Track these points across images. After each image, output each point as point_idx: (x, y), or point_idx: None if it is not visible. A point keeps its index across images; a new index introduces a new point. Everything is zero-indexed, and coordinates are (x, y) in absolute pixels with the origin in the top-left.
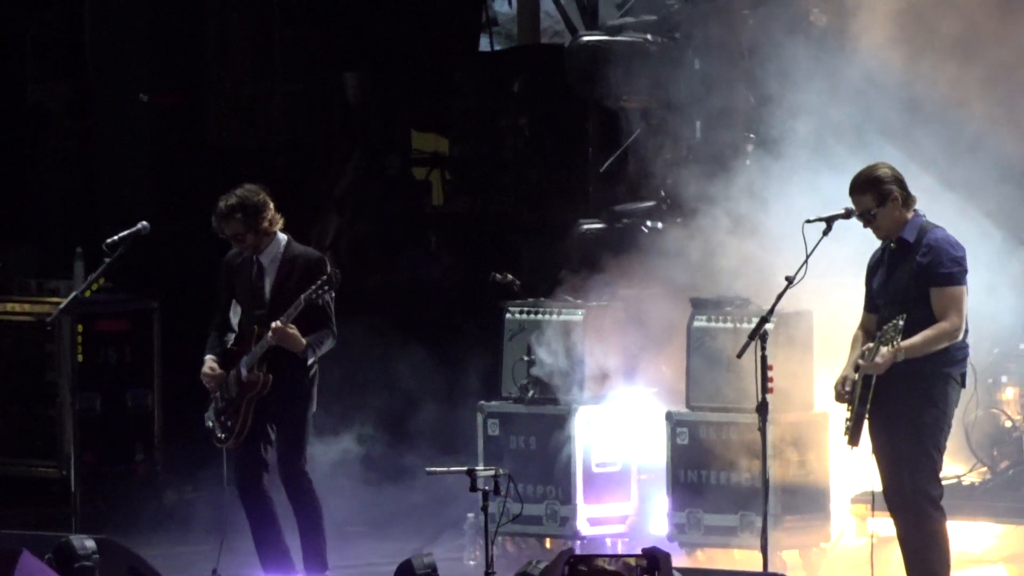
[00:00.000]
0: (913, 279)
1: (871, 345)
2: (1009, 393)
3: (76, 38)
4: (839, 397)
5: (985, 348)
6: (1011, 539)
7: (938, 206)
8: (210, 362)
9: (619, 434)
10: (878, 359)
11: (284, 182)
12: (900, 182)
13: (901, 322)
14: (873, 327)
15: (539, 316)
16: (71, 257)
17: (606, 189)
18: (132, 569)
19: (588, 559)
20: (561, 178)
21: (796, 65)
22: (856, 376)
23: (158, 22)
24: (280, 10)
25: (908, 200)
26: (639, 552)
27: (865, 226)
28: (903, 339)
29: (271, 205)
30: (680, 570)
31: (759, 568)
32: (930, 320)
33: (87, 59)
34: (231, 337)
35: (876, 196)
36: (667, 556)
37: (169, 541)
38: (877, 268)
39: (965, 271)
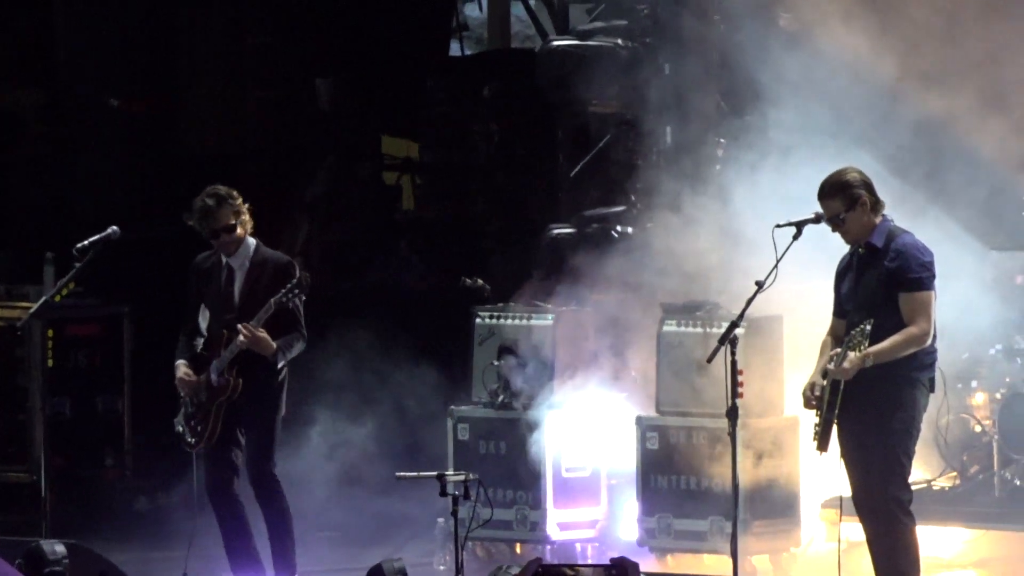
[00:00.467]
0: (881, 284)
1: (839, 350)
2: (979, 398)
3: (47, 44)
4: (807, 403)
5: (955, 353)
6: (981, 544)
7: (909, 210)
8: (184, 367)
9: (589, 439)
10: (846, 364)
11: (255, 187)
12: (869, 186)
13: (868, 327)
14: (842, 332)
15: (509, 321)
16: (41, 262)
17: (577, 194)
18: (103, 574)
19: (556, 569)
20: (532, 183)
21: (766, 70)
22: (824, 382)
23: (130, 28)
24: (251, 16)
25: (877, 205)
26: (608, 561)
27: (834, 230)
28: (871, 343)
29: (246, 207)
30: (650, 575)
31: (729, 573)
32: (898, 325)
33: (58, 65)
34: (200, 342)
35: (845, 200)
36: (635, 565)
37: (139, 546)
38: (846, 273)
39: (933, 276)
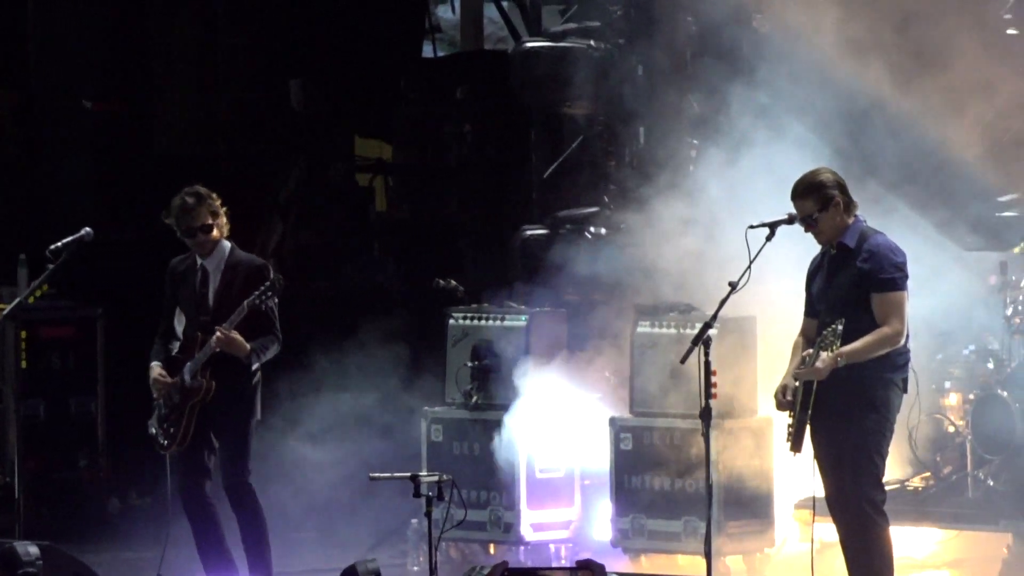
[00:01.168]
0: (854, 284)
1: (811, 351)
2: (952, 399)
3: (20, 46)
4: (780, 405)
5: (929, 354)
6: (954, 545)
7: (882, 210)
8: (158, 369)
9: (563, 440)
10: (818, 364)
11: (228, 189)
12: (842, 187)
13: (840, 327)
14: (813, 333)
15: (483, 322)
16: (14, 264)
17: (550, 195)
18: (76, 575)
19: (523, 571)
20: (505, 184)
21: (740, 71)
22: (797, 383)
23: (102, 30)
24: (224, 17)
25: (849, 205)
26: (575, 564)
27: (807, 231)
28: (842, 344)
29: (223, 210)
30: (624, 575)
31: (703, 574)
32: (870, 325)
33: (31, 67)
34: (176, 344)
35: (818, 201)
36: (601, 567)
37: (113, 547)
38: (817, 273)
39: (906, 276)
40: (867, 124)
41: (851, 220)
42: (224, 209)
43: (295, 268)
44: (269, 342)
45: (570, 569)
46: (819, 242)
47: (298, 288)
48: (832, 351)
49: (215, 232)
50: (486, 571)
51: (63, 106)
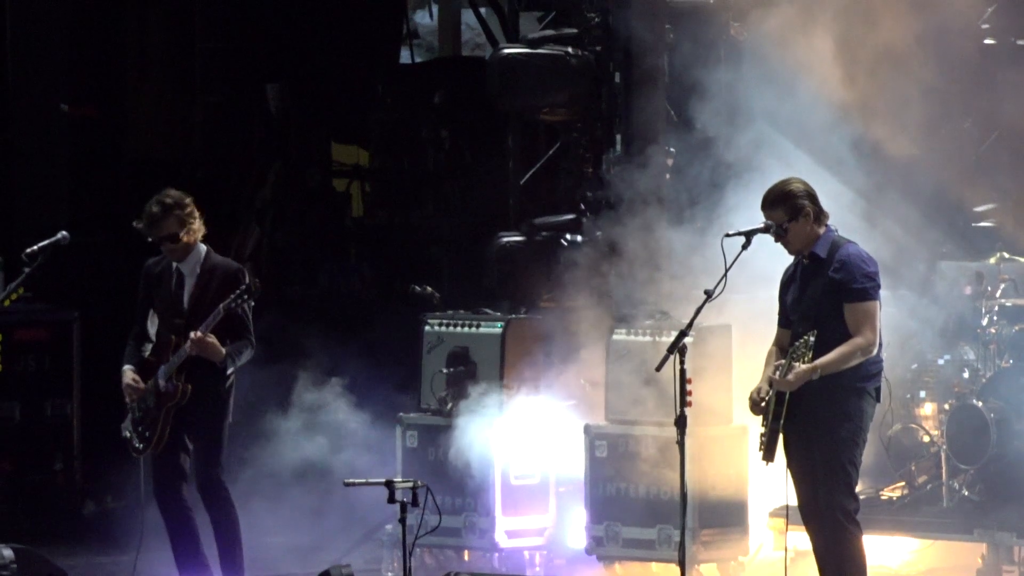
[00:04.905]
0: (826, 295)
1: (784, 361)
2: (927, 408)
3: None
4: (754, 408)
5: (904, 364)
6: (928, 554)
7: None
8: (131, 373)
9: (537, 447)
10: (790, 377)
11: (204, 193)
12: (812, 197)
13: (812, 338)
14: (787, 342)
15: (458, 329)
16: None
17: (526, 202)
18: None
19: None
20: (481, 191)
21: (717, 79)
22: (770, 390)
23: (78, 33)
24: (200, 22)
25: (820, 215)
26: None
27: (776, 240)
28: (814, 354)
29: (197, 214)
30: None
31: None
32: (843, 335)
33: (6, 70)
34: (148, 347)
35: (788, 210)
36: None
37: (88, 550)
38: (790, 283)
39: (878, 286)
40: (842, 131)
41: (822, 230)
42: (199, 213)
43: (270, 273)
44: (243, 346)
45: None
46: (789, 252)
47: (273, 292)
48: (804, 362)
49: (185, 239)
50: None
51: (38, 110)
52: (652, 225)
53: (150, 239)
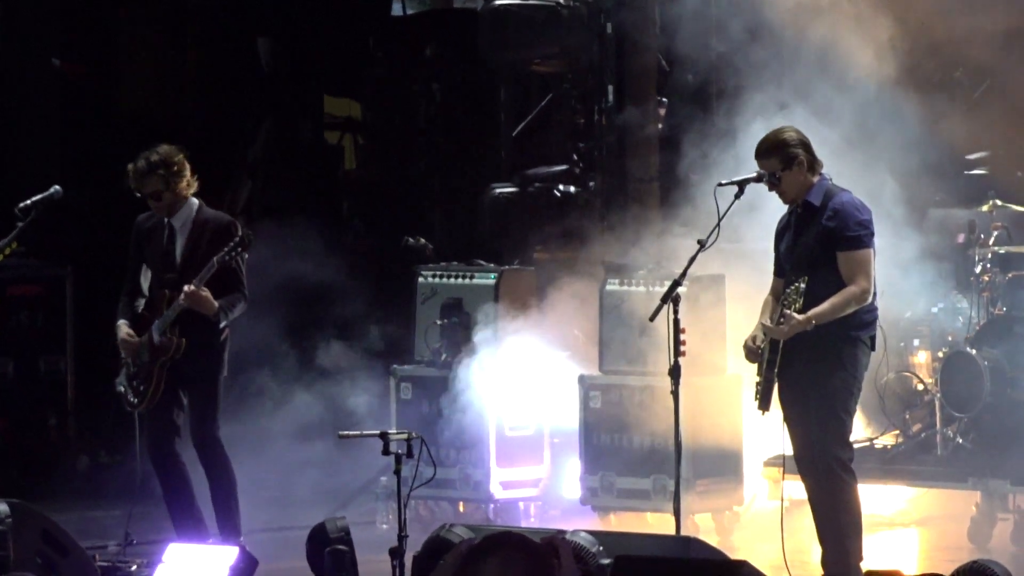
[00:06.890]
0: (819, 243)
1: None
2: (921, 357)
3: None
4: (749, 354)
5: (897, 312)
6: (923, 502)
7: (848, 167)
8: (125, 327)
9: (532, 398)
10: (784, 327)
11: (196, 148)
12: (806, 146)
13: (803, 284)
14: (782, 291)
15: (452, 280)
16: None
17: (518, 153)
18: (45, 533)
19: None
20: (474, 143)
21: (707, 27)
22: (765, 338)
23: None
24: None
25: (814, 164)
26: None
27: (771, 189)
28: (805, 301)
29: (188, 168)
30: (593, 533)
31: (672, 531)
32: (835, 283)
33: None
34: (141, 302)
35: (781, 159)
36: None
37: (82, 506)
38: (784, 232)
39: (872, 234)
40: (836, 80)
41: (816, 179)
42: (190, 168)
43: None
44: (236, 299)
45: (536, 545)
46: (783, 201)
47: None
48: (795, 309)
49: (167, 196)
50: (457, 529)
51: (29, 65)
52: (644, 175)
53: (137, 194)
